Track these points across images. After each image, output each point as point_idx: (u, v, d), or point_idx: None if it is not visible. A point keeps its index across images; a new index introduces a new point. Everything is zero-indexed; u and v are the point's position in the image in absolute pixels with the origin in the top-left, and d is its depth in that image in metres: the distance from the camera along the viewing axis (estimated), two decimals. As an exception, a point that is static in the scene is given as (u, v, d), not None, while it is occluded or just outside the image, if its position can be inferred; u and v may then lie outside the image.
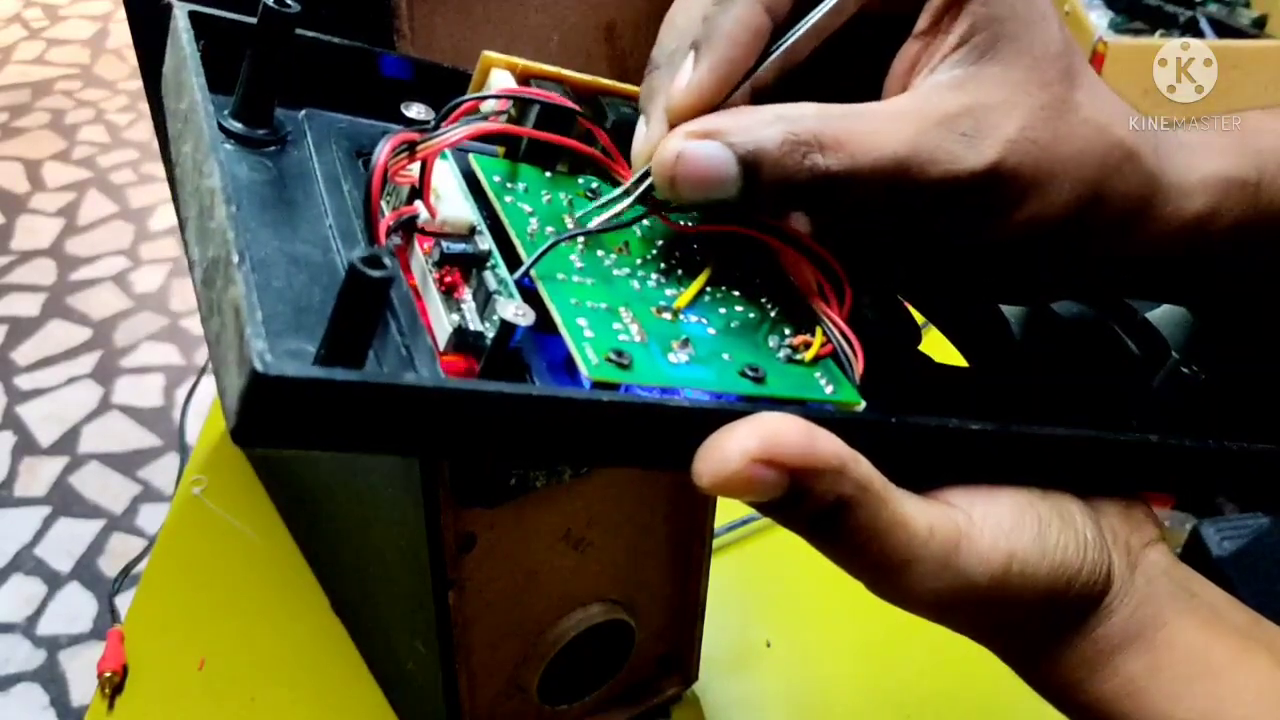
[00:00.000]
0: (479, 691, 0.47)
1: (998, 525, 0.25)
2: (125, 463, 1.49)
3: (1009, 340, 0.32)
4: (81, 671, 1.25)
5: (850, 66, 0.27)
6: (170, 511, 0.68)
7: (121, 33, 2.42)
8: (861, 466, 0.23)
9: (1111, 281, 0.28)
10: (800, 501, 0.22)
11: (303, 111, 0.27)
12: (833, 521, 0.23)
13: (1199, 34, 1.12)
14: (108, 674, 0.58)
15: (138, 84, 2.16)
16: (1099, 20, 1.12)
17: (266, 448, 0.18)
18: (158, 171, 2.01)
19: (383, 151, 0.23)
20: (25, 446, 1.51)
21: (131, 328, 1.71)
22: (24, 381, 1.61)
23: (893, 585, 0.24)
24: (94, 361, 1.65)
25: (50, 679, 1.24)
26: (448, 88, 0.28)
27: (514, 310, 0.22)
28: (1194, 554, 0.57)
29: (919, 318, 0.31)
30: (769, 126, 0.24)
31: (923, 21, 0.25)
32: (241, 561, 0.64)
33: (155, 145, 1.40)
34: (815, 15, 0.25)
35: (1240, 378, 0.31)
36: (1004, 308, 0.32)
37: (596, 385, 0.22)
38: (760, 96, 0.26)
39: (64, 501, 1.44)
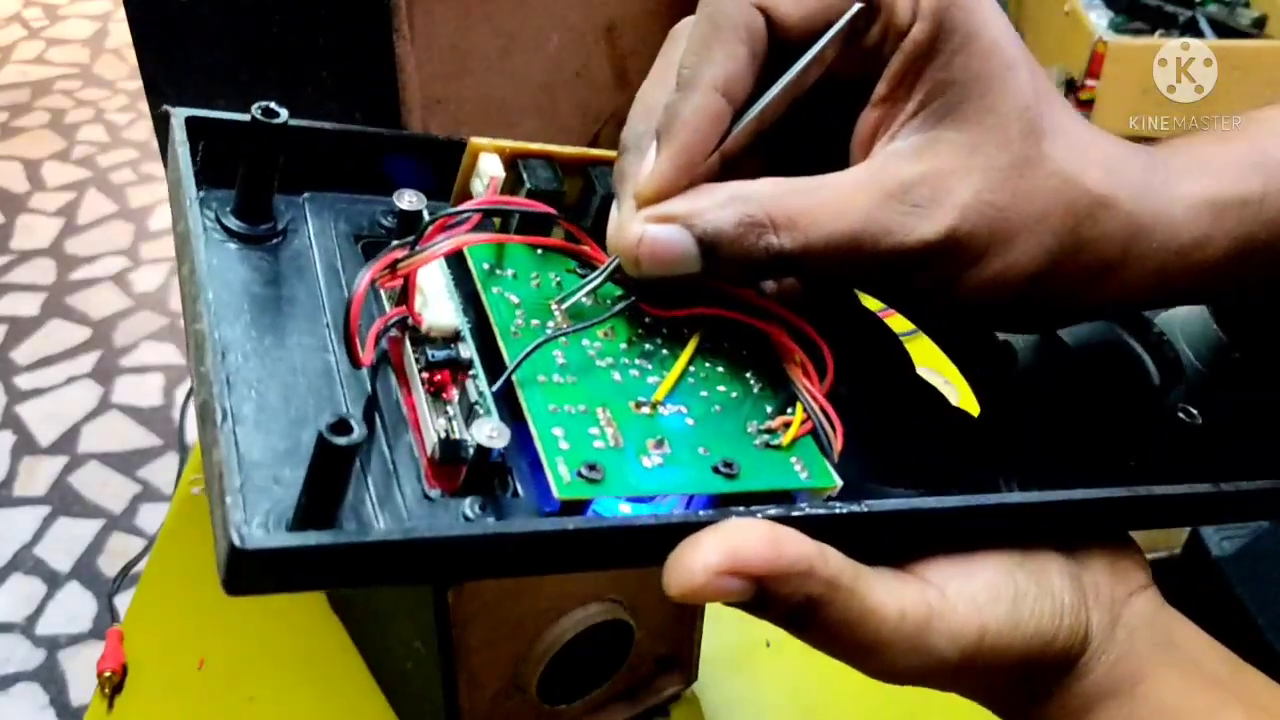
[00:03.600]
0: (479, 691, 0.47)
1: (971, 600, 0.25)
2: (125, 462, 1.49)
3: (1014, 367, 0.31)
4: (81, 671, 1.25)
5: (821, 127, 0.27)
6: (170, 511, 0.68)
7: (121, 32, 2.42)
8: (830, 563, 0.23)
9: (1103, 314, 0.28)
10: (770, 604, 0.23)
11: (304, 195, 0.28)
12: (804, 617, 0.23)
13: (1199, 34, 1.12)
14: (107, 673, 0.58)
15: (137, 84, 2.15)
16: (1099, 20, 1.12)
17: (257, 594, 0.20)
18: (157, 171, 2.01)
19: (360, 284, 0.24)
20: (25, 446, 1.51)
21: (131, 327, 1.71)
22: (24, 381, 1.61)
23: (867, 666, 0.25)
24: (94, 361, 1.65)
25: (50, 679, 1.24)
26: (445, 158, 0.29)
27: (489, 432, 0.22)
28: (1194, 554, 0.57)
29: (907, 325, 0.31)
30: (724, 209, 0.25)
31: (881, 89, 0.25)
32: (241, 561, 0.64)
33: (155, 145, 1.40)
34: (778, 87, 0.25)
35: (1240, 418, 0.31)
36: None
37: (565, 504, 0.23)
38: (729, 163, 0.26)
39: (63, 501, 1.44)
